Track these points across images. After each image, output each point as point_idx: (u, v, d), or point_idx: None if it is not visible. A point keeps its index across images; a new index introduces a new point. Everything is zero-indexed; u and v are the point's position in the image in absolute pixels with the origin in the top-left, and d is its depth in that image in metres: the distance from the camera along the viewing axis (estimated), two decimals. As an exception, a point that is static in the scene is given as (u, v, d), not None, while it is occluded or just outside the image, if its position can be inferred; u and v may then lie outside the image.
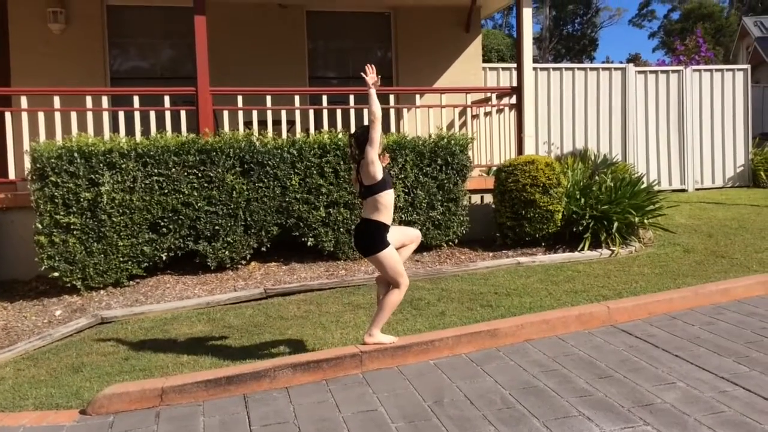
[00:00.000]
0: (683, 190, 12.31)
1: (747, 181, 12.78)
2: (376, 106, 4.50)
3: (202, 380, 4.19)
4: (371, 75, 4.70)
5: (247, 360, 4.56)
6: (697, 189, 12.48)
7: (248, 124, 7.81)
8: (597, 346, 4.85)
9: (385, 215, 4.51)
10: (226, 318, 5.60)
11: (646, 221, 7.78)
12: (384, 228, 4.52)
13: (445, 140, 7.57)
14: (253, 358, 4.59)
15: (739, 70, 12.91)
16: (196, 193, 6.67)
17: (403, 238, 4.76)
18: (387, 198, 4.49)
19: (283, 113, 7.64)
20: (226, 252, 6.74)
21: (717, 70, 12.82)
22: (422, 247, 7.58)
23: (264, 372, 4.27)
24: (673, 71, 12.56)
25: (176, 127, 7.38)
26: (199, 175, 6.70)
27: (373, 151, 4.41)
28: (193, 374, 4.31)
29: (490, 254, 7.47)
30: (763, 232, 8.15)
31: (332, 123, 7.89)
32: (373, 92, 4.57)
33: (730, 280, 6.09)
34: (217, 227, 6.70)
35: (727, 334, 4.96)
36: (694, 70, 12.67)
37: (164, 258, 6.66)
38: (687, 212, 9.68)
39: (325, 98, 7.90)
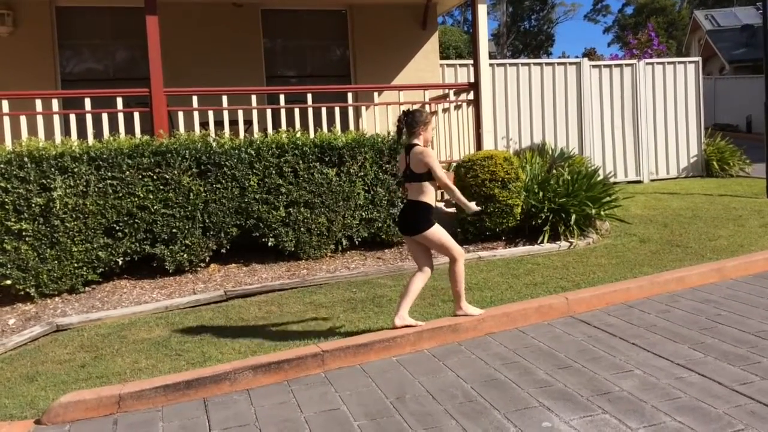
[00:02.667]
0: (639, 182, 12.54)
1: (700, 171, 13.07)
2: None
3: (161, 385, 4.12)
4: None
5: (207, 363, 4.51)
6: (652, 180, 12.71)
7: (204, 124, 7.72)
8: (556, 337, 4.91)
9: (431, 197, 4.83)
10: (185, 321, 5.52)
11: (602, 213, 7.90)
12: (430, 209, 4.83)
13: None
14: (213, 361, 4.54)
15: (690, 62, 13.18)
16: (151, 196, 6.56)
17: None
18: (433, 183, 4.80)
19: (240, 113, 7.56)
20: (185, 255, 6.64)
21: (669, 63, 13.07)
22: (383, 245, 7.60)
23: (224, 375, 4.22)
24: (627, 65, 12.77)
25: (130, 129, 7.24)
26: (155, 177, 6.59)
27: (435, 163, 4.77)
28: (151, 380, 4.24)
29: (452, 249, 7.50)
30: (716, 221, 8.35)
31: (290, 122, 7.84)
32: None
33: (685, 269, 6.22)
34: (174, 230, 6.60)
35: (683, 322, 5.07)
36: (647, 64, 12.90)
37: (120, 263, 6.54)
38: (642, 203, 9.86)
39: (282, 97, 7.84)
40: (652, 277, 5.98)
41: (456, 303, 5.13)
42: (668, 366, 4.24)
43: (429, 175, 4.77)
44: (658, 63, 13.02)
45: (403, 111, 4.99)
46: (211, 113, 7.48)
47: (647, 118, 12.72)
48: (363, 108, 8.99)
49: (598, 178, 8.33)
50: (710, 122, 21.71)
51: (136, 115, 7.28)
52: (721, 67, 28.65)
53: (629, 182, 12.35)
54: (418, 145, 4.82)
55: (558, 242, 7.44)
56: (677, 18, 47.01)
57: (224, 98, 7.53)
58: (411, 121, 4.83)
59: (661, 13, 46.66)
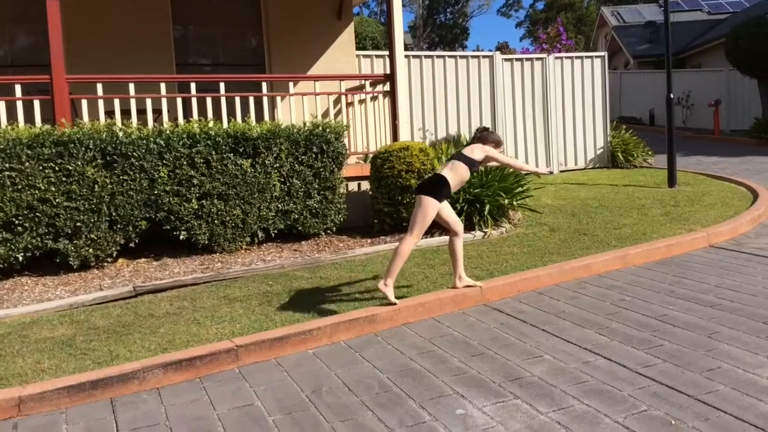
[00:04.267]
0: (549, 173, 12.91)
1: (606, 162, 13.61)
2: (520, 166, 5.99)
3: (64, 386, 3.93)
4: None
5: (115, 362, 4.33)
6: (562, 171, 13.14)
7: (110, 113, 7.40)
8: (470, 326, 5.00)
9: (453, 180, 5.36)
10: (92, 319, 5.29)
11: (515, 203, 8.10)
12: (446, 185, 5.33)
13: (320, 128, 7.51)
14: (120, 360, 4.37)
15: (597, 57, 13.68)
16: (53, 188, 6.24)
17: (451, 215, 5.50)
18: (464, 170, 5.40)
19: (149, 101, 7.29)
20: (90, 250, 6.36)
21: (577, 57, 13.52)
22: (300, 236, 7.53)
23: (132, 374, 4.07)
24: (537, 59, 13.11)
25: (29, 118, 6.87)
26: (56, 168, 6.27)
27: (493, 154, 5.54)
28: (54, 381, 4.03)
29: (369, 241, 7.52)
30: (621, 210, 8.71)
31: (202, 112, 7.63)
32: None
33: (592, 256, 6.45)
34: (78, 224, 6.30)
35: (590, 307, 5.25)
36: (556, 58, 13.29)
37: (21, 259, 6.20)
38: (552, 193, 10.18)
39: (193, 86, 7.61)
40: (560, 265, 6.17)
41: (385, 277, 5.26)
42: (576, 351, 4.38)
43: (471, 164, 5.43)
44: (566, 57, 13.44)
45: (484, 127, 5.91)
46: (117, 101, 7.18)
47: (556, 110, 13.12)
48: (278, 98, 8.85)
49: (511, 169, 8.53)
50: (616, 115, 22.65)
51: (37, 104, 6.90)
52: (626, 62, 29.89)
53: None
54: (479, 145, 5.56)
55: (473, 232, 7.57)
56: (585, 14, 48.75)
57: (131, 86, 7.24)
58: (486, 136, 5.63)
59: (570, 9, 48.27)
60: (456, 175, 5.39)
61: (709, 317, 4.89)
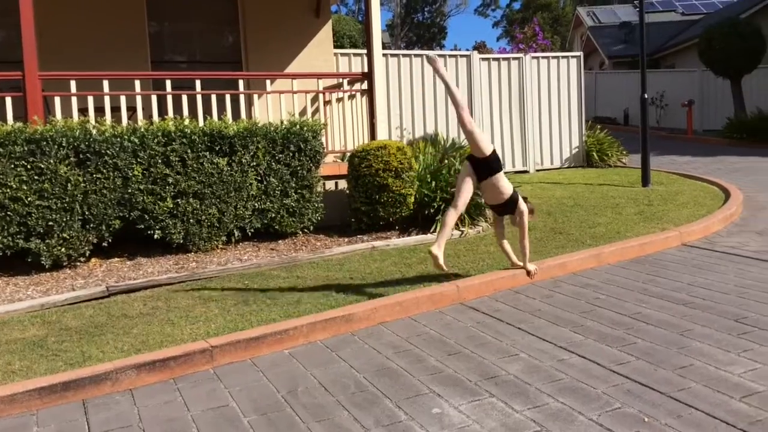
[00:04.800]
0: (525, 172, 13.01)
1: (582, 162, 13.72)
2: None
3: (35, 388, 3.87)
4: None
5: (87, 363, 4.27)
6: (538, 170, 13.23)
7: (84, 111, 7.30)
8: (447, 324, 5.01)
9: (502, 180, 5.65)
10: (64, 320, 5.22)
11: (492, 202, 8.12)
12: (489, 170, 5.58)
13: (298, 126, 7.48)
14: (93, 361, 4.31)
15: (572, 57, 13.78)
16: (25, 187, 6.14)
17: (464, 187, 5.62)
18: (507, 185, 5.69)
19: (123, 99, 7.20)
20: (62, 249, 6.27)
21: (553, 57, 13.62)
22: (277, 235, 7.49)
23: (105, 375, 4.02)
24: (514, 58, 13.19)
25: (1, 115, 6.75)
26: (28, 166, 6.17)
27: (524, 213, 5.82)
28: (25, 382, 3.97)
29: (346, 240, 7.51)
30: (596, 209, 8.79)
31: (178, 110, 7.56)
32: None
33: (567, 255, 6.50)
34: (50, 223, 6.21)
35: (565, 306, 5.29)
36: (533, 57, 13.37)
37: (-9, 258, 6.11)
38: (529, 192, 10.23)
39: (168, 83, 7.53)
40: (536, 264, 6.20)
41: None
42: (551, 349, 4.41)
43: (513, 188, 5.80)
44: (543, 57, 13.53)
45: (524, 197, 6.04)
46: (90, 99, 7.08)
47: (533, 110, 13.20)
48: (255, 96, 8.80)
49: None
50: (591, 115, 22.86)
51: (8, 101, 6.78)
52: (602, 62, 30.18)
53: (516, 172, 12.79)
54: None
55: (449, 231, 7.57)
56: (561, 14, 49.16)
57: (105, 83, 7.15)
58: (526, 201, 5.92)
59: (546, 9, 48.64)
60: (503, 181, 5.64)
61: (681, 315, 4.95)
